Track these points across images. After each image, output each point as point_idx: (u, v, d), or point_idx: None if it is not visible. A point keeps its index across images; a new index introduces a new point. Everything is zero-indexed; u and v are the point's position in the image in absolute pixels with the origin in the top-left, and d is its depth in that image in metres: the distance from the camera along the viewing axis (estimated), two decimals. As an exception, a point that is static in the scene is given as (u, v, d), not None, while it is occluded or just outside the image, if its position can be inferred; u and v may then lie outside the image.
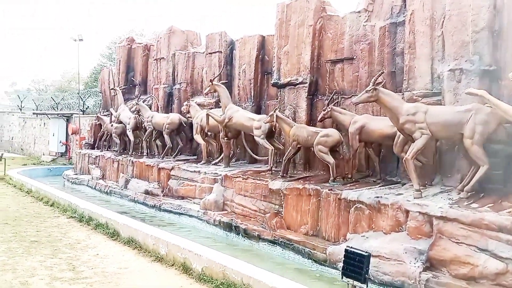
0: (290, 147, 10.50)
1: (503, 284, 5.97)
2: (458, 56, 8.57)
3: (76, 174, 19.44)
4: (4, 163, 19.14)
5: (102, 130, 20.22)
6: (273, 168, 11.17)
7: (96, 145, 20.51)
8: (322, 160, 9.81)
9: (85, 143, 20.91)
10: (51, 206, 12.95)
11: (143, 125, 16.74)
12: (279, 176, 10.50)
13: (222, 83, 13.19)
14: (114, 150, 19.29)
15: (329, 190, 8.90)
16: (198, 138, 14.05)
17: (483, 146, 7.50)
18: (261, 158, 12.66)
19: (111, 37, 36.79)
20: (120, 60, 20.33)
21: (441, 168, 8.80)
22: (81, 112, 28.18)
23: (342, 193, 8.58)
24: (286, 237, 9.14)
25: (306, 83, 11.48)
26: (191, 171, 12.77)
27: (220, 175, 11.73)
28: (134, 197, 14.41)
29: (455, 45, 8.65)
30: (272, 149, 11.25)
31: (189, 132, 16.08)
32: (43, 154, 30.06)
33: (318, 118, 10.50)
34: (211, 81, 12.82)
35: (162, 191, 13.82)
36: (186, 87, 16.64)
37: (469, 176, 7.81)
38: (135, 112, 16.74)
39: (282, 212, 9.73)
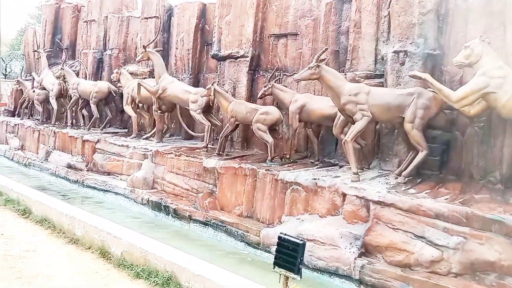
0: (228, 124, 9.87)
1: (437, 271, 5.83)
2: (403, 38, 8.33)
3: (-9, 143, 17.57)
4: None
5: (23, 96, 18.35)
6: (208, 146, 10.52)
7: (16, 112, 18.63)
8: (260, 138, 9.29)
9: (4, 110, 18.92)
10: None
11: (68, 92, 15.31)
12: (214, 154, 9.87)
13: (157, 51, 12.19)
14: (36, 119, 17.63)
15: (265, 170, 8.43)
16: (128, 109, 13.01)
17: (423, 132, 7.36)
18: (197, 134, 11.94)
19: (40, -4, 33.52)
20: (46, 20, 18.42)
21: (380, 152, 8.63)
22: (3, 76, 25.64)
23: (279, 174, 8.14)
24: (218, 218, 8.60)
25: (248, 57, 10.85)
26: (119, 145, 11.78)
27: (151, 150, 10.89)
28: (55, 171, 13.16)
29: (401, 27, 8.39)
30: (208, 125, 10.57)
31: (119, 103, 14.93)
32: (-44, 120, 27.15)
33: (258, 95, 9.94)
34: (144, 47, 11.78)
35: (87, 166, 12.71)
36: (118, 53, 15.36)
37: (407, 161, 7.68)
38: (60, 78, 15.22)
39: (216, 192, 9.15)
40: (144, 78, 13.62)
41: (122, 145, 11.67)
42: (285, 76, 10.35)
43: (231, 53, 11.14)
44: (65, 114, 15.60)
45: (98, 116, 14.08)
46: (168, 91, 11.35)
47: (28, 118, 17.75)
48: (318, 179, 7.65)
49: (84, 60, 16.14)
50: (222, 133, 9.96)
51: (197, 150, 10.66)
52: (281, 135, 9.59)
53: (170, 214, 9.53)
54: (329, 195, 7.43)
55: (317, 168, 8.63)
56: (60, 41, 17.82)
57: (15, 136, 16.29)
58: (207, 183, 9.45)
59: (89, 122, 14.58)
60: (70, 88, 14.61)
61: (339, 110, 7.96)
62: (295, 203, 7.82)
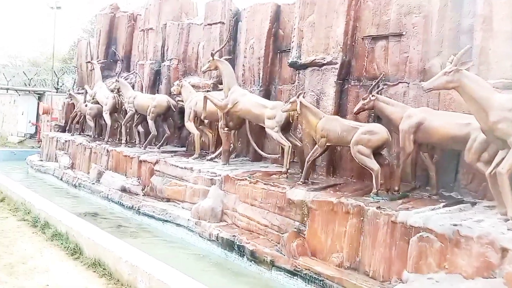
0: (317, 145, 7.97)
1: None
2: None
3: (41, 160, 16.55)
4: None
5: (74, 110, 17.36)
6: (289, 171, 8.68)
7: (67, 128, 17.63)
8: (362, 165, 7.33)
9: (55, 125, 18.01)
10: (1, 201, 10.21)
11: (123, 106, 14.02)
12: (299, 183, 8.00)
13: (226, 60, 10.56)
14: (87, 135, 16.51)
15: (377, 208, 6.44)
16: (190, 126, 11.42)
17: None
18: (269, 155, 10.15)
19: (95, 10, 33.42)
20: (100, 31, 17.43)
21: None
22: (55, 90, 25.12)
23: (399, 215, 6.13)
24: (312, 268, 6.66)
25: (337, 63, 8.97)
26: (181, 168, 10.14)
27: (219, 175, 9.16)
28: (108, 194, 11.73)
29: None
30: (289, 146, 8.73)
31: (177, 119, 13.48)
32: (11, 135, 26.91)
33: (355, 109, 8.02)
34: (212, 55, 10.19)
35: (143, 190, 11.17)
36: (178, 64, 13.95)
37: None
38: (114, 91, 13.96)
39: (305, 233, 7.25)
40: (207, 91, 12.05)
41: (185, 168, 10.03)
42: (386, 86, 8.36)
43: (314, 59, 9.30)
44: (118, 130, 14.31)
45: (156, 133, 12.59)
46: (240, 105, 9.64)
47: (79, 134, 16.68)
48: (460, 225, 5.58)
49: (140, 72, 14.86)
50: (309, 156, 8.07)
51: (275, 176, 8.82)
52: (387, 161, 7.58)
53: (245, 256, 7.71)
54: (480, 248, 5.34)
55: (445, 206, 6.55)
56: (115, 50, 16.72)
57: (65, 153, 15.16)
58: (292, 219, 7.57)
59: (145, 139, 13.16)
60: (126, 102, 13.27)
61: (484, 131, 5.89)
62: (425, 256, 5.77)
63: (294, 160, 9.44)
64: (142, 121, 13.54)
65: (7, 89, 28.56)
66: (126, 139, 13.42)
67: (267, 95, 11.10)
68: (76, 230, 7.23)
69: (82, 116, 16.32)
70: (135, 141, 13.51)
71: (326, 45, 9.19)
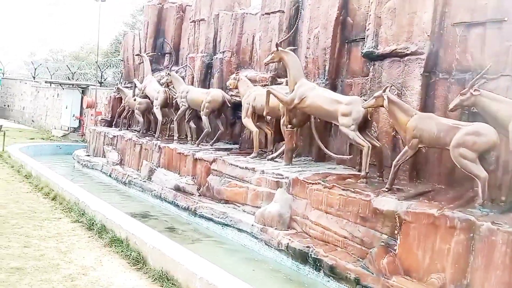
0: (407, 147, 6.98)
1: None
2: None
3: (88, 155, 16.22)
4: (3, 136, 15.98)
5: (122, 105, 16.94)
6: (368, 174, 7.74)
7: (114, 122, 17.24)
8: (465, 171, 6.29)
9: (101, 119, 17.68)
10: (52, 200, 9.74)
11: (174, 101, 13.40)
12: (384, 189, 7.05)
13: (292, 50, 9.66)
14: (135, 130, 16.04)
15: (493, 224, 5.43)
16: (248, 123, 10.63)
17: None
18: (339, 156, 9.23)
19: (137, 3, 33.20)
20: (148, 22, 16.91)
21: None
22: (99, 84, 24.97)
23: (523, 233, 5.12)
24: (409, 291, 5.74)
25: (423, 53, 7.92)
26: (241, 168, 9.36)
27: (286, 177, 8.32)
28: (161, 193, 11.13)
29: None
30: (368, 147, 7.77)
31: (230, 114, 12.76)
32: (55, 128, 27.07)
33: (451, 106, 6.95)
34: (277, 45, 9.32)
35: (198, 190, 10.50)
36: (231, 57, 13.18)
37: None
38: (164, 85, 13.35)
39: (396, 248, 6.31)
40: (265, 85, 11.23)
41: (246, 168, 9.24)
42: (483, 80, 7.25)
43: (395, 49, 8.28)
44: (169, 126, 13.72)
45: (210, 129, 11.88)
46: (308, 101, 8.74)
47: (127, 129, 16.23)
48: None
49: (191, 65, 14.19)
50: (397, 160, 7.08)
51: (350, 180, 7.90)
52: (492, 166, 6.52)
53: (322, 271, 6.85)
54: None
55: None
56: (166, 41, 16.14)
57: (114, 149, 14.71)
58: (379, 231, 6.64)
59: (197, 136, 12.50)
60: (178, 97, 12.62)
61: None
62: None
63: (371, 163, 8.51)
64: (194, 117, 12.90)
65: (51, 82, 28.81)
66: (178, 135, 12.74)
67: (332, 89, 10.08)
68: (139, 237, 6.56)
69: (130, 111, 15.85)
70: (186, 138, 12.82)
71: (409, 33, 8.15)
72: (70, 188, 9.61)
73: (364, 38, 9.76)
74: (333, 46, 10.18)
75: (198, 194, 10.40)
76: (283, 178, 8.40)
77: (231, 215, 8.88)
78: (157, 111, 13.31)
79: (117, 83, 16.79)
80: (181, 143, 12.46)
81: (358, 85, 9.51)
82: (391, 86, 7.55)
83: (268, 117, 9.73)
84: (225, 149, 11.67)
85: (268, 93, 9.48)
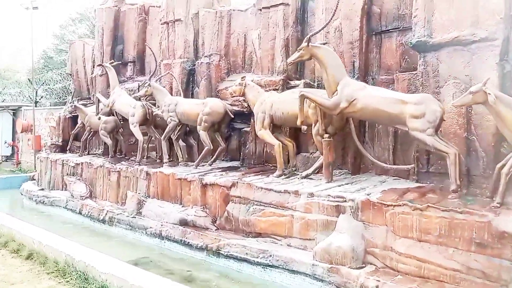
0: (522, 152, 5.67)
1: None
2: None
3: (42, 189, 13.33)
4: None
5: (78, 125, 14.28)
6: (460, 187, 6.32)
7: (68, 147, 14.48)
8: None
9: (51, 145, 14.78)
10: (27, 259, 7.23)
11: (154, 117, 11.22)
12: (495, 205, 5.66)
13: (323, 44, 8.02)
14: (98, 155, 13.51)
15: None
16: (266, 135, 8.83)
17: None
18: (395, 166, 7.77)
19: (67, 12, 29.68)
20: (103, 28, 14.43)
21: None
22: (34, 104, 21.61)
23: None
24: None
25: (495, 39, 6.72)
26: (279, 192, 7.54)
27: (351, 200, 6.66)
28: (161, 231, 8.94)
29: None
30: (455, 154, 6.36)
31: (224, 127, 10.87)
32: (-19, 159, 23.07)
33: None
34: (308, 40, 7.66)
35: (214, 222, 8.50)
36: (219, 60, 11.29)
37: None
38: (142, 98, 11.10)
39: (544, 281, 4.92)
40: (275, 89, 9.53)
41: (286, 192, 7.44)
42: None
43: (457, 37, 7.01)
44: (146, 146, 11.43)
45: (211, 146, 9.87)
46: (360, 103, 7.15)
47: (88, 153, 13.62)
48: None
49: (166, 73, 12.01)
50: (509, 167, 5.73)
51: (432, 195, 6.45)
52: None
53: (437, 318, 5.28)
54: None
55: None
56: (124, 52, 13.82)
57: (79, 179, 12.10)
58: (507, 259, 5.22)
59: (188, 155, 10.51)
60: (164, 111, 10.46)
61: None
62: None
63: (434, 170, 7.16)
64: (186, 133, 10.84)
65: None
66: (168, 156, 10.55)
67: (363, 89, 8.70)
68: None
69: (92, 132, 13.29)
70: (180, 160, 10.65)
71: (474, 16, 6.91)
72: (53, 241, 7.17)
73: (397, 28, 8.58)
74: (361, 39, 8.76)
75: (216, 228, 8.39)
76: (345, 201, 6.73)
77: (276, 253, 7.02)
78: (135, 130, 11.01)
79: (72, 101, 14.05)
80: (170, 166, 10.31)
81: (403, 81, 8.11)
82: (488, 79, 6.21)
83: (304, 127, 8.02)
84: (229, 168, 9.75)
85: (303, 97, 7.77)
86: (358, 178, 8.18)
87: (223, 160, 11.00)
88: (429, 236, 5.84)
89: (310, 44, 7.71)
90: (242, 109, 10.29)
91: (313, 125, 8.12)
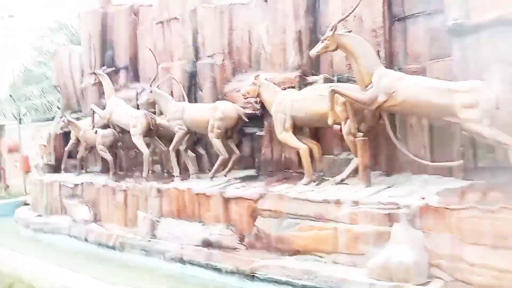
0: None
1: None
2: None
3: (39, 216, 12.29)
4: None
5: (72, 141, 13.24)
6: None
7: (63, 166, 13.44)
8: None
9: (45, 165, 13.72)
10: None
11: (157, 126, 10.31)
12: None
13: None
14: (95, 172, 12.54)
15: None
16: (290, 138, 7.99)
17: None
18: (441, 163, 7.00)
19: (47, 22, 28.25)
20: (90, 33, 13.37)
21: None
22: (17, 121, 20.43)
23: None
24: None
25: None
26: (317, 201, 6.73)
27: (406, 206, 5.88)
28: (181, 255, 8.07)
29: None
30: (521, 146, 5.64)
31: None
32: (-36, 183, 21.76)
33: None
34: (333, 28, 6.85)
35: (241, 241, 7.66)
36: (224, 60, 10.40)
37: None
38: (144, 107, 10.16)
39: None
40: (291, 87, 8.68)
41: (326, 201, 6.63)
42: None
43: (501, 15, 6.27)
44: (150, 159, 10.49)
45: (227, 155, 9.00)
46: (401, 95, 6.36)
47: (85, 171, 12.63)
48: None
49: (165, 78, 11.02)
50: None
51: (496, 193, 5.70)
52: None
53: None
54: None
55: None
56: (115, 57, 12.83)
57: (80, 202, 11.11)
58: None
59: (198, 167, 9.70)
60: (170, 119, 9.53)
61: None
62: None
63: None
64: (194, 143, 9.96)
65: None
66: (178, 170, 9.63)
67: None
68: None
69: (88, 148, 12.27)
70: (191, 172, 9.74)
71: (520, -10, 6.19)
72: (69, 279, 6.25)
73: (422, 12, 7.80)
74: (384, 26, 7.98)
75: (245, 248, 7.55)
76: (398, 207, 5.95)
77: (322, 273, 6.21)
78: (139, 142, 10.05)
79: (62, 116, 12.97)
80: (183, 180, 9.43)
81: (437, 69, 7.34)
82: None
83: (337, 127, 7.22)
84: (247, 178, 8.90)
85: (333, 93, 6.95)
86: (396, 179, 7.40)
87: (235, 168, 10.12)
88: (507, 242, 5.09)
89: (336, 32, 6.89)
90: (254, 111, 9.44)
91: (342, 123, 7.33)
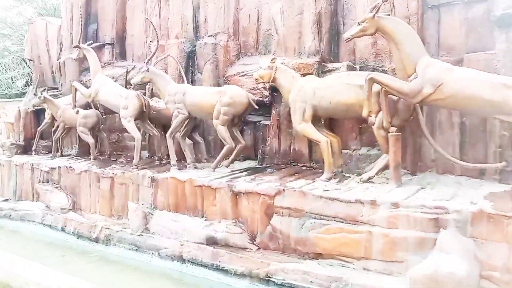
0: None
1: None
2: None
3: (6, 200, 10.94)
4: None
5: (45, 121, 11.96)
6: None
7: (34, 147, 12.12)
8: None
9: (12, 144, 12.30)
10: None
11: (150, 109, 9.31)
12: None
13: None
14: (71, 155, 11.37)
15: None
16: (309, 129, 7.21)
17: None
18: (478, 165, 6.47)
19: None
20: (72, 4, 12.09)
21: None
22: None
23: None
24: None
25: None
26: (347, 201, 6.01)
27: (457, 211, 5.26)
28: (181, 252, 7.17)
29: None
30: None
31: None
32: None
33: None
34: (374, 9, 6.15)
35: (253, 241, 6.85)
36: (227, 41, 9.52)
37: None
38: (134, 87, 9.11)
39: None
40: (308, 73, 7.94)
41: (359, 201, 5.92)
42: None
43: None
44: (155, 144, 9.54)
45: (233, 145, 8.13)
46: (449, 88, 5.72)
47: (61, 154, 11.38)
48: None
49: (161, 56, 10.00)
50: None
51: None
52: None
53: None
54: None
55: None
56: (99, 32, 11.64)
57: (56, 187, 9.92)
58: None
59: (195, 155, 8.78)
60: (169, 102, 8.54)
61: None
62: None
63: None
64: (193, 128, 9.04)
65: None
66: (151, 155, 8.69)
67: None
68: None
69: (65, 129, 11.04)
70: (189, 161, 8.80)
71: None
72: (56, 280, 5.23)
73: (458, 1, 7.26)
74: (418, 13, 7.37)
75: (257, 247, 6.75)
76: (447, 212, 5.33)
77: (354, 281, 5.53)
78: (130, 126, 8.99)
79: (41, 91, 11.58)
80: (180, 169, 8.50)
81: (477, 62, 6.80)
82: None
83: (372, 119, 6.51)
84: (252, 170, 8.11)
85: (371, 81, 6.24)
86: (424, 179, 6.83)
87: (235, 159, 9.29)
88: None
89: (377, 15, 6.19)
90: (261, 98, 8.66)
91: (373, 116, 6.65)
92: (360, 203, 5.92)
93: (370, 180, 6.72)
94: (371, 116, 6.48)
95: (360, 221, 5.88)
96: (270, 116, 8.79)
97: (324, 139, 7.12)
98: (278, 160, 8.63)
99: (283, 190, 6.62)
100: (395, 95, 6.23)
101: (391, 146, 6.46)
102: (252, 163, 8.97)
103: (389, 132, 6.46)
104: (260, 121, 9.10)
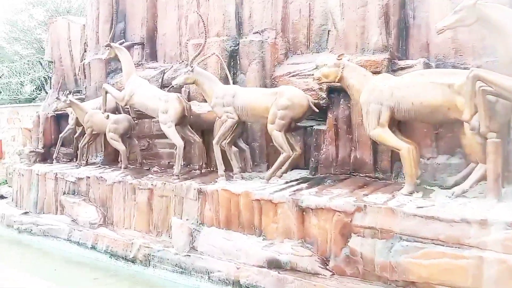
0: None
1: None
2: None
3: (26, 213, 9.99)
4: None
5: (68, 127, 11.07)
6: None
7: (55, 155, 11.22)
8: None
9: (31, 152, 11.40)
10: None
11: (190, 114, 8.41)
12: None
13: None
14: (95, 164, 10.45)
15: None
16: (386, 135, 6.22)
17: None
18: None
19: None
20: (98, 2, 11.25)
21: None
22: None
23: None
24: None
25: None
26: (449, 220, 5.04)
27: None
28: (236, 277, 6.20)
29: None
30: None
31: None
32: None
33: None
34: (478, -5, 5.25)
35: (326, 265, 5.88)
36: (275, 38, 8.63)
37: None
38: (172, 88, 8.21)
39: None
40: (376, 72, 7.00)
41: (464, 220, 4.95)
42: None
43: None
44: (196, 152, 8.62)
45: (290, 152, 7.18)
46: None
47: (86, 163, 10.45)
48: None
49: (202, 55, 9.08)
50: None
51: None
52: None
53: None
54: None
55: None
56: (127, 31, 10.76)
57: (84, 200, 8.98)
58: None
59: (245, 163, 7.86)
60: (217, 105, 7.61)
61: None
62: None
63: None
64: (241, 135, 8.12)
65: None
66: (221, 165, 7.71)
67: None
68: None
69: (94, 136, 10.14)
70: (237, 170, 7.85)
71: None
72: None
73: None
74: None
75: (331, 273, 5.77)
76: None
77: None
78: (170, 131, 8.06)
79: (66, 94, 10.65)
80: (230, 179, 7.54)
81: None
82: None
83: (475, 123, 5.55)
84: (309, 182, 7.16)
85: (475, 78, 5.28)
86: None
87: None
88: None
89: (478, 2, 5.28)
90: (317, 100, 7.73)
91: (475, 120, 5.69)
92: (466, 223, 4.95)
93: (463, 195, 5.76)
94: (471, 120, 5.51)
95: (466, 244, 4.90)
96: (324, 121, 7.91)
97: (405, 146, 6.16)
98: (335, 170, 7.70)
99: (364, 206, 5.65)
100: (503, 96, 5.28)
101: (490, 154, 5.49)
102: (302, 173, 8.02)
103: (486, 138, 5.51)
104: (311, 126, 8.18)
